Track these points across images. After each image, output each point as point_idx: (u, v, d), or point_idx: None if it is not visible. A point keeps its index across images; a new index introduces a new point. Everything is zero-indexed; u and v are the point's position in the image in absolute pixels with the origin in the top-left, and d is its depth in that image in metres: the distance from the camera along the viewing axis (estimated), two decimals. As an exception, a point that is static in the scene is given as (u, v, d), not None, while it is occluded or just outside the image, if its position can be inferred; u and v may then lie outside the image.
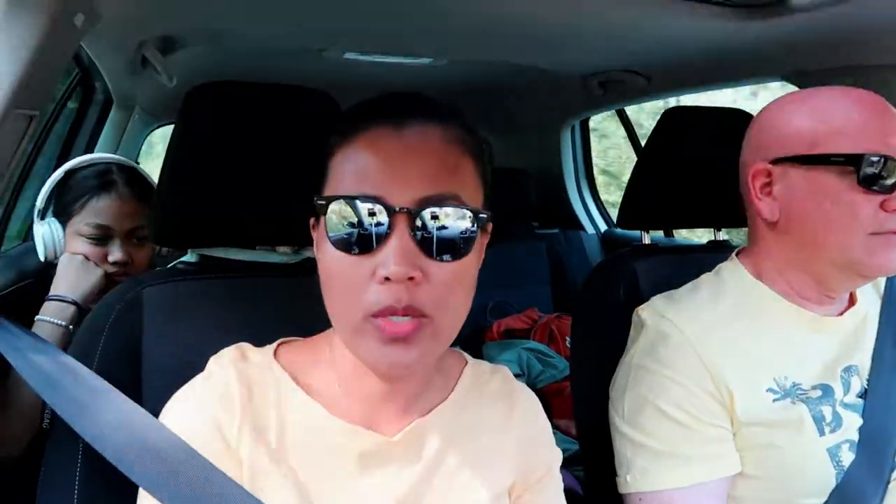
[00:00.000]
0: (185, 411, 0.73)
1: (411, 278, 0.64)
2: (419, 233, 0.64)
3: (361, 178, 0.66)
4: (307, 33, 1.55)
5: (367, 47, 1.74)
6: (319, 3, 1.27)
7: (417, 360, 0.66)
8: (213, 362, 0.76)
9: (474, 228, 0.67)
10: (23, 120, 0.75)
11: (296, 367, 0.76)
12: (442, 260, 0.66)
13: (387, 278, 0.63)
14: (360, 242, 0.65)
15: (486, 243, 0.73)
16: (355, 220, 0.65)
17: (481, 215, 0.68)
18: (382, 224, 0.64)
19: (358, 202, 0.65)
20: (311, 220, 0.74)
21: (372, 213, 0.64)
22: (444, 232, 0.65)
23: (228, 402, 0.71)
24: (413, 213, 0.64)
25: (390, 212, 0.64)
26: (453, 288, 0.67)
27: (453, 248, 0.66)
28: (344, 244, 0.65)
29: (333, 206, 0.66)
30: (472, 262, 0.69)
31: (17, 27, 0.69)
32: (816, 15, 1.14)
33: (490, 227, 0.72)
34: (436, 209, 0.65)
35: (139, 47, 1.39)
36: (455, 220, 0.66)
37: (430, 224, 0.65)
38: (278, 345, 0.78)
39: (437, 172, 0.66)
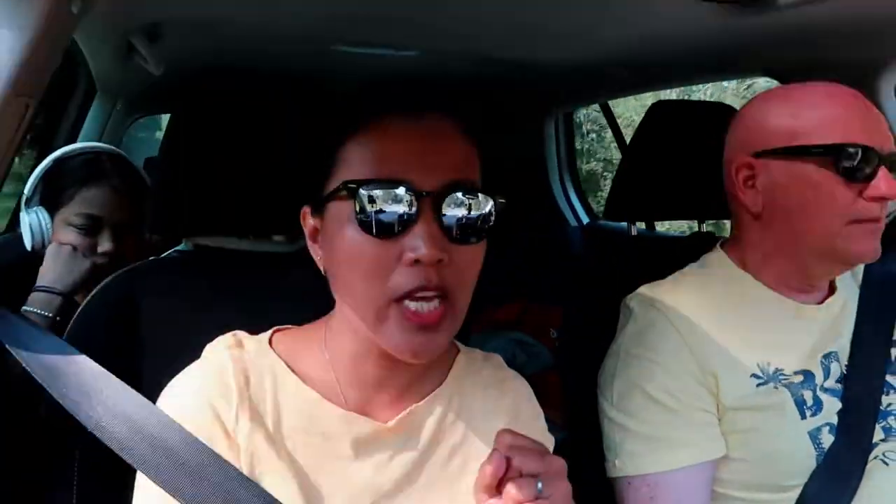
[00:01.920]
0: (182, 398, 0.74)
1: (439, 261, 0.66)
2: (445, 217, 0.67)
3: (384, 163, 0.68)
4: (295, 24, 1.54)
5: (354, 39, 1.73)
6: None
7: (439, 347, 0.69)
8: (209, 349, 0.77)
9: (493, 212, 0.70)
10: (21, 106, 0.75)
11: (291, 354, 0.77)
12: (464, 243, 0.68)
13: (416, 261, 0.65)
14: (389, 225, 0.66)
15: None
16: (384, 203, 0.66)
17: (500, 200, 0.71)
18: (412, 208, 0.66)
19: (386, 185, 0.67)
20: (306, 209, 0.75)
21: (400, 197, 0.66)
22: (467, 216, 0.68)
23: (225, 389, 0.72)
24: (438, 197, 0.67)
25: (418, 196, 0.66)
26: (470, 270, 0.70)
27: (475, 231, 0.69)
28: (372, 227, 0.67)
29: (363, 190, 0.67)
30: (484, 247, 0.72)
31: (16, 15, 0.69)
32: (800, 12, 1.16)
33: None
34: (460, 194, 0.68)
35: (127, 35, 1.38)
36: (477, 205, 0.69)
37: (455, 208, 0.67)
38: (273, 332, 0.79)
39: (456, 160, 0.70)
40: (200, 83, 0.97)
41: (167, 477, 0.70)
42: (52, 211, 1.40)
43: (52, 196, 1.40)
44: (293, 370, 0.75)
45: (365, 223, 0.67)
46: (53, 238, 1.39)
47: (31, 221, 1.39)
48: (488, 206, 0.70)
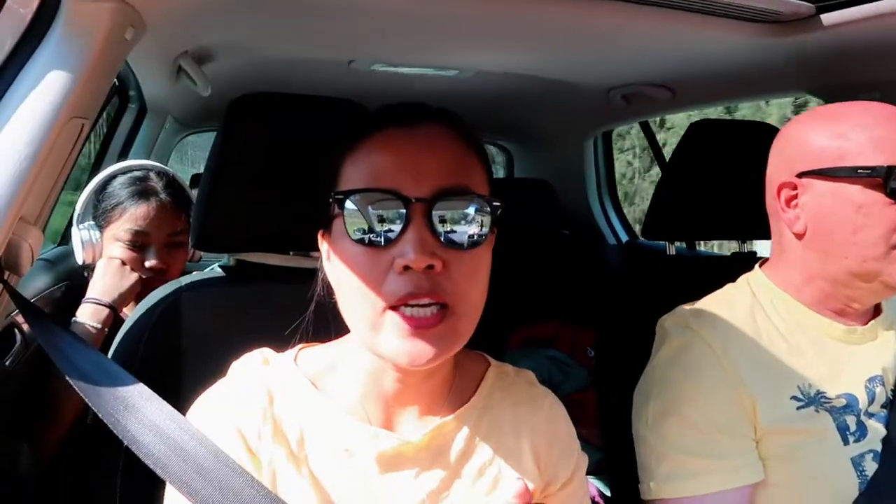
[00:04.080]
0: (207, 415, 0.75)
1: (430, 267, 0.65)
2: (435, 223, 0.67)
3: (376, 174, 0.68)
4: (336, 46, 1.59)
5: (395, 59, 1.77)
6: (348, 18, 1.30)
7: (438, 354, 0.67)
8: (236, 367, 0.78)
9: (488, 218, 0.69)
10: (76, 127, 0.79)
11: (315, 371, 0.77)
12: (458, 249, 0.68)
13: (406, 267, 0.65)
14: (379, 234, 0.67)
15: (495, 244, 0.75)
16: (373, 213, 0.67)
17: (494, 204, 0.70)
18: (400, 215, 0.66)
19: (375, 195, 0.67)
20: (321, 232, 0.76)
21: (389, 206, 0.66)
22: (459, 222, 0.67)
23: (249, 406, 0.73)
24: (429, 204, 0.66)
25: (406, 203, 0.66)
26: (470, 278, 0.69)
27: (468, 237, 0.68)
28: (363, 237, 0.67)
29: (351, 201, 0.68)
30: (486, 254, 0.71)
31: (74, 41, 0.73)
32: (845, 31, 1.15)
33: (496, 230, 0.73)
34: (450, 199, 0.67)
35: (177, 58, 1.44)
36: (469, 210, 0.68)
37: (446, 214, 0.67)
38: (300, 349, 0.80)
39: (448, 166, 0.69)
40: (246, 104, 1.00)
41: (197, 491, 0.71)
42: (103, 227, 1.45)
43: (102, 212, 1.45)
44: (317, 387, 0.76)
45: (355, 234, 0.68)
46: (103, 253, 1.44)
47: (83, 237, 1.44)
48: (484, 210, 0.69)
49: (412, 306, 0.66)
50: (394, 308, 0.66)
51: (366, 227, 0.67)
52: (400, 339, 0.66)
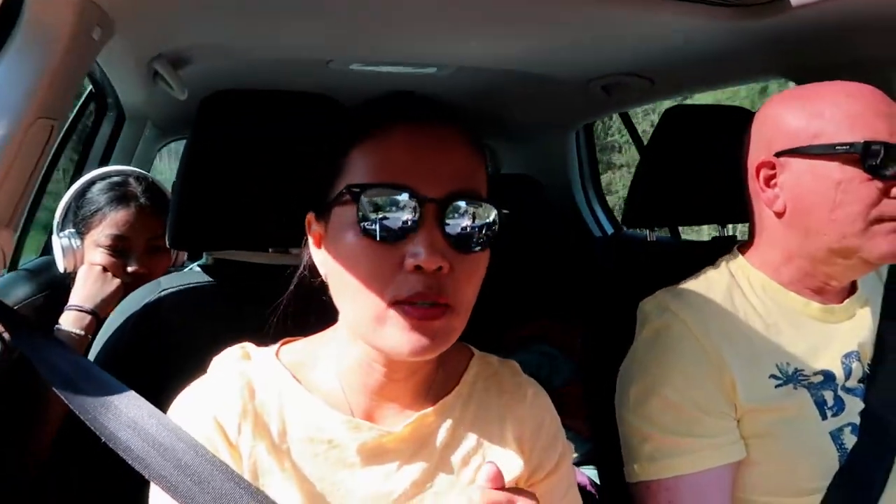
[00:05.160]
0: (187, 410, 0.75)
1: (440, 268, 0.66)
2: (447, 224, 0.67)
3: (391, 169, 0.68)
4: (314, 46, 1.59)
5: (372, 58, 1.77)
6: (325, 17, 1.30)
7: (435, 347, 0.68)
8: (216, 362, 0.78)
9: (496, 223, 0.70)
10: (45, 128, 0.78)
11: (297, 365, 0.78)
12: (465, 251, 0.68)
13: (417, 267, 0.65)
14: (392, 231, 0.67)
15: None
16: (386, 208, 0.67)
17: (503, 211, 0.71)
18: (414, 214, 0.66)
19: (390, 190, 0.67)
20: (311, 216, 0.76)
21: (403, 203, 0.66)
22: (470, 225, 0.68)
23: (229, 401, 0.73)
24: (442, 205, 0.67)
25: (422, 202, 0.66)
26: (470, 279, 0.70)
27: (477, 240, 0.69)
28: (374, 232, 0.67)
29: (366, 194, 0.67)
30: (486, 257, 0.72)
31: (39, 41, 0.73)
32: (814, 11, 1.15)
33: None
34: (464, 203, 0.68)
35: (151, 61, 1.43)
36: (480, 214, 0.69)
37: (458, 216, 0.68)
38: (281, 344, 0.80)
39: (462, 169, 0.70)
40: (218, 101, 1.00)
41: (176, 486, 0.71)
42: (83, 233, 1.44)
43: (82, 219, 1.44)
44: (298, 380, 0.76)
45: (367, 228, 0.67)
46: (84, 259, 1.43)
47: (63, 244, 1.44)
48: (492, 215, 0.70)
49: (417, 306, 0.66)
50: (398, 304, 0.67)
51: (378, 223, 0.67)
52: (402, 333, 0.67)
